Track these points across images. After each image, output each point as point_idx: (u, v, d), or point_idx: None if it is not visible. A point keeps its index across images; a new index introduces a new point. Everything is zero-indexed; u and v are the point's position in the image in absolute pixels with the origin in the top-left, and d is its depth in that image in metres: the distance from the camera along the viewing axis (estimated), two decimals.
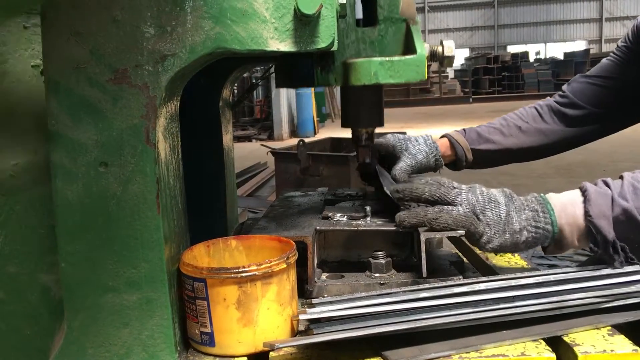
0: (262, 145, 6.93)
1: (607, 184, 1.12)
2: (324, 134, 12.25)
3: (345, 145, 6.45)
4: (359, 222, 1.22)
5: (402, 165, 1.51)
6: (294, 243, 1.02)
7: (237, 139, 12.29)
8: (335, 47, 1.06)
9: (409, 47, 1.15)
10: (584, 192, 1.12)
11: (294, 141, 5.92)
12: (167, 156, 0.95)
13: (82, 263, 0.90)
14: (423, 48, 1.12)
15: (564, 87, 1.77)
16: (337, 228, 1.20)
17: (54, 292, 1.01)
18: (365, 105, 1.24)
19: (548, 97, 1.79)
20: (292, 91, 13.93)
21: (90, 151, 0.88)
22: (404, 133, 1.80)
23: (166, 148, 0.94)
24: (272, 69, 1.70)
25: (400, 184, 1.19)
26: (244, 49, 0.92)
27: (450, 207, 1.10)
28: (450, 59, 1.17)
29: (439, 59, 1.18)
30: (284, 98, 13.47)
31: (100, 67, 0.87)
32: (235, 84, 1.79)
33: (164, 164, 0.93)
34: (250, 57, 1.37)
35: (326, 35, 0.97)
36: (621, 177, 1.13)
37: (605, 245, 1.07)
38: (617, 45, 1.72)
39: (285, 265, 0.95)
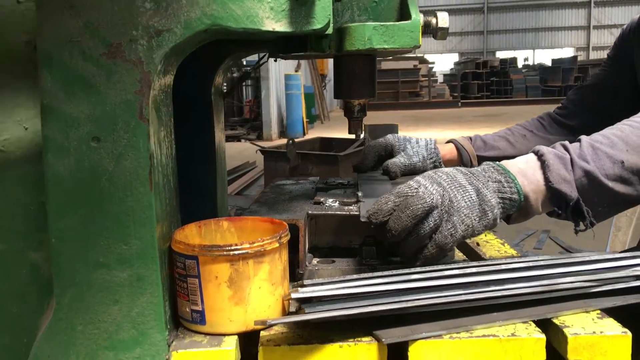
0: (252, 143, 6.92)
1: (565, 147, 1.11)
2: (313, 135, 12.28)
3: (334, 144, 6.47)
4: (351, 207, 1.22)
5: (396, 161, 1.52)
6: (286, 224, 1.02)
7: (226, 138, 12.25)
8: (330, 30, 1.06)
9: (403, 14, 1.15)
10: (540, 156, 1.10)
11: (283, 142, 5.92)
12: (160, 134, 0.94)
13: (73, 239, 0.89)
14: (418, 14, 1.12)
15: (562, 100, 1.82)
16: (329, 212, 1.20)
17: (42, 270, 0.99)
18: (358, 76, 1.23)
19: (549, 111, 1.82)
20: (282, 92, 13.93)
21: (83, 126, 0.88)
22: None
23: (159, 125, 0.94)
24: (265, 59, 1.70)
25: (369, 210, 1.08)
26: (239, 27, 0.92)
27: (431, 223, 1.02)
28: (444, 31, 1.17)
29: (433, 31, 1.18)
30: (273, 98, 13.46)
31: (94, 41, 0.87)
32: (225, 84, 1.78)
33: (157, 141, 0.92)
34: (244, 41, 1.38)
35: (322, 17, 0.97)
36: (579, 141, 1.13)
37: (568, 208, 1.07)
38: (607, 55, 1.77)
39: (277, 245, 0.95)
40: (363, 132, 1.57)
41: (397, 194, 1.05)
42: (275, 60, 1.70)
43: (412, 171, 1.54)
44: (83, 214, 0.89)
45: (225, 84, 1.76)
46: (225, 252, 0.90)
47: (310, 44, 1.14)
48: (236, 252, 0.91)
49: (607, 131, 1.15)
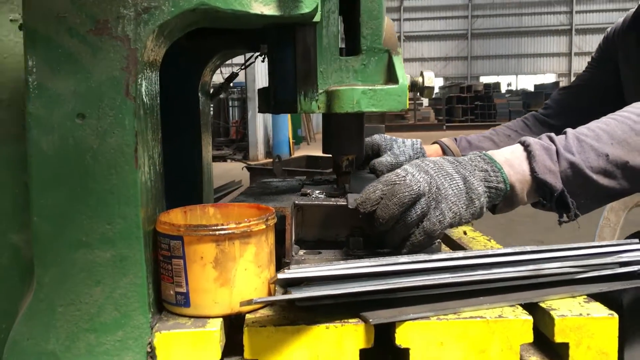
0: (239, 161, 6.93)
1: (551, 139, 1.12)
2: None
3: (321, 162, 6.48)
4: (338, 199, 1.21)
5: (382, 160, 1.53)
6: (273, 209, 1.01)
7: (212, 158, 12.23)
8: (318, 18, 1.07)
9: (391, 77, 1.17)
10: (526, 147, 1.11)
11: (270, 161, 5.93)
12: (147, 113, 0.94)
13: (55, 217, 0.88)
14: (405, 78, 1.15)
15: (547, 101, 1.85)
16: (316, 203, 1.19)
17: (24, 252, 0.98)
18: (346, 132, 1.25)
19: (533, 111, 1.85)
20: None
21: (68, 102, 0.87)
22: None
23: (146, 105, 0.93)
24: (254, 59, 1.70)
25: (358, 199, 1.08)
26: (227, 8, 0.92)
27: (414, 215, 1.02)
28: (430, 90, 1.21)
29: (419, 89, 1.21)
30: (260, 119, 13.49)
31: (81, 17, 0.86)
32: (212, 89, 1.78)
33: (143, 119, 0.91)
34: (231, 34, 1.38)
35: (310, 1, 0.98)
36: (565, 133, 1.13)
37: (552, 199, 1.08)
38: (591, 57, 1.80)
39: (264, 226, 0.94)
40: None
41: (384, 182, 1.05)
42: (263, 61, 1.71)
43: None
44: (66, 191, 0.88)
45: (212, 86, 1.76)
46: (211, 232, 0.89)
47: (300, 105, 1.14)
48: (222, 232, 0.89)
49: (593, 124, 1.16)
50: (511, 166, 1.09)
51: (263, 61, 1.70)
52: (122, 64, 0.87)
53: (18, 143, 0.96)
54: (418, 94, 1.26)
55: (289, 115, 13.81)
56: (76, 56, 0.87)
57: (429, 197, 1.03)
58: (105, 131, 0.87)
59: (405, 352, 0.90)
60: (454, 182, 1.06)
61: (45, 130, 0.87)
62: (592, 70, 1.76)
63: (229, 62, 1.96)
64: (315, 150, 14.30)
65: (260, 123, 13.58)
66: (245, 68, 1.79)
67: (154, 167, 0.97)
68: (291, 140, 13.91)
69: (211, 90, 1.74)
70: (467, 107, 25.81)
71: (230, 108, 16.10)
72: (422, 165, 1.07)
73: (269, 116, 13.97)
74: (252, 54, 1.72)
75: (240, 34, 1.43)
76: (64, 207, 0.88)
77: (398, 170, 1.07)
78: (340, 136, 1.28)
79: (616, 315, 0.92)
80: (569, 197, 1.09)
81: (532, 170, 1.09)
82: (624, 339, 1.39)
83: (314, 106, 1.15)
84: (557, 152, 1.10)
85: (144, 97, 0.91)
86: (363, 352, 0.90)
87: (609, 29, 1.72)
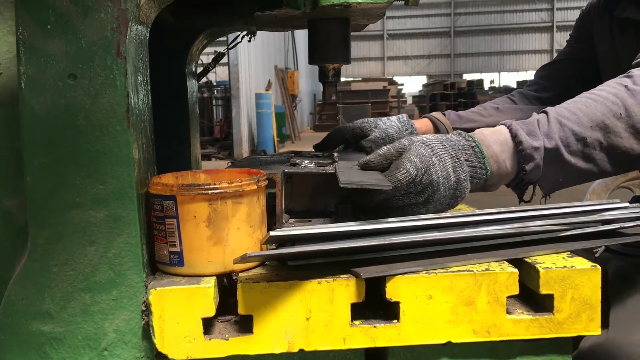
0: (224, 159, 6.93)
1: (533, 125, 1.12)
2: None
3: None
4: (327, 167, 1.23)
5: (372, 137, 1.54)
6: (264, 172, 1.02)
7: None
8: None
9: None
10: (520, 151, 1.10)
11: None
12: (137, 78, 0.95)
13: (48, 178, 0.88)
14: None
15: (531, 79, 1.88)
16: (305, 171, 1.21)
17: (16, 218, 0.98)
18: (332, 40, 1.26)
19: (520, 89, 1.87)
20: (253, 110, 13.95)
21: (59, 63, 0.87)
22: None
23: (136, 69, 0.94)
24: (239, 38, 1.71)
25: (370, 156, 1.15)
26: None
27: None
28: None
29: None
30: (244, 117, 13.47)
31: None
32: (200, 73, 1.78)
33: (134, 83, 0.92)
34: (218, 7, 1.39)
35: None
36: (546, 113, 1.13)
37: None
38: (570, 35, 1.85)
39: (255, 187, 0.95)
40: (338, 113, 1.59)
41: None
42: (250, 41, 1.72)
43: (390, 142, 1.55)
44: (59, 152, 0.88)
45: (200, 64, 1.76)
46: (203, 191, 0.91)
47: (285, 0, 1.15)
48: (215, 191, 0.91)
49: (573, 105, 1.15)
50: (497, 161, 1.11)
51: (250, 41, 1.71)
52: (112, 24, 0.88)
53: (8, 108, 0.97)
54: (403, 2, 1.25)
55: (273, 114, 13.80)
56: (67, 17, 0.87)
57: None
58: (97, 91, 0.88)
59: (395, 306, 0.92)
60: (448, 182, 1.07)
61: (37, 91, 0.87)
62: (572, 46, 1.80)
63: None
64: (300, 148, 14.31)
65: (244, 121, 13.56)
66: (230, 48, 1.80)
67: (145, 132, 0.98)
68: (276, 139, 13.91)
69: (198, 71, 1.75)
70: (451, 104, 25.89)
71: (215, 107, 16.05)
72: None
73: (253, 114, 13.95)
74: (237, 33, 1.73)
75: (226, 12, 1.45)
76: (57, 168, 0.89)
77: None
78: (326, 44, 1.28)
79: (599, 267, 0.95)
80: (547, 178, 1.12)
81: (521, 169, 1.11)
82: (609, 308, 1.42)
83: (299, 2, 1.14)
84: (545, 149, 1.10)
85: (134, 57, 0.92)
86: (355, 307, 0.92)
87: (585, 5, 1.76)
